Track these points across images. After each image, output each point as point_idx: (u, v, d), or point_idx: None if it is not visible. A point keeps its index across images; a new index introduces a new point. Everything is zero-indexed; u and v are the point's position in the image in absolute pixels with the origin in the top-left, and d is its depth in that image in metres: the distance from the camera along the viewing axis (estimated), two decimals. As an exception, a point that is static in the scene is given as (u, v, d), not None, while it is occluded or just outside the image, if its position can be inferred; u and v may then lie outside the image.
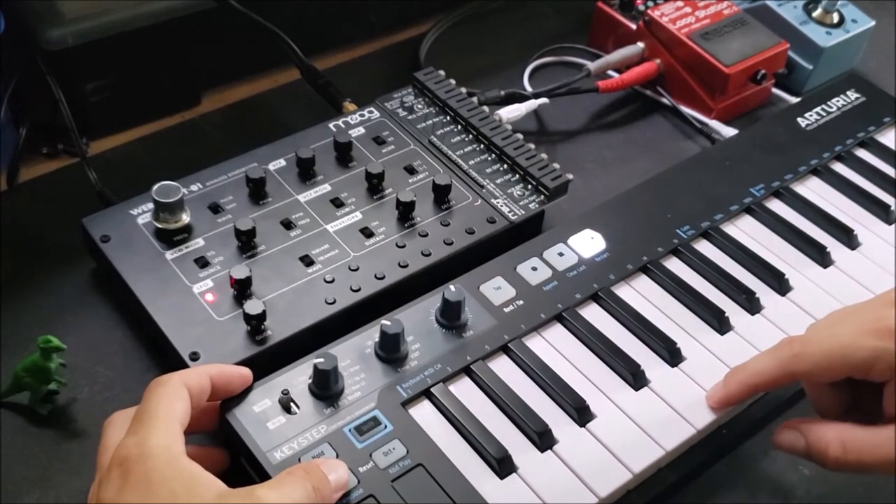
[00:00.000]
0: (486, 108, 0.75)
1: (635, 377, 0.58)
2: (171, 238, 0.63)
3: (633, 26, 0.87)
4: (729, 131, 0.82)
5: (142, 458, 0.44)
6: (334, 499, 0.49)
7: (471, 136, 0.73)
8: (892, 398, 0.49)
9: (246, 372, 0.54)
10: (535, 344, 0.60)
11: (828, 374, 0.51)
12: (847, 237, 0.69)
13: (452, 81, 0.77)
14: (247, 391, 0.54)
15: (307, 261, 0.63)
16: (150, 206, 0.64)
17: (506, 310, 0.61)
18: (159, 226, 0.63)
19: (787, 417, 0.61)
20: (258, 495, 0.44)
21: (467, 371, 0.58)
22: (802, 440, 0.51)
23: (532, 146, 0.72)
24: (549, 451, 0.55)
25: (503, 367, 0.59)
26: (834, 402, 0.53)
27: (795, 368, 0.51)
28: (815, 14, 0.89)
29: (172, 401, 0.48)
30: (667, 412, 0.57)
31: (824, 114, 0.80)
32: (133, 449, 0.45)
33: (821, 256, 0.68)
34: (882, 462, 0.49)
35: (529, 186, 0.70)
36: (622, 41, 0.87)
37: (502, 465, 0.53)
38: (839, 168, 0.76)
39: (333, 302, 0.61)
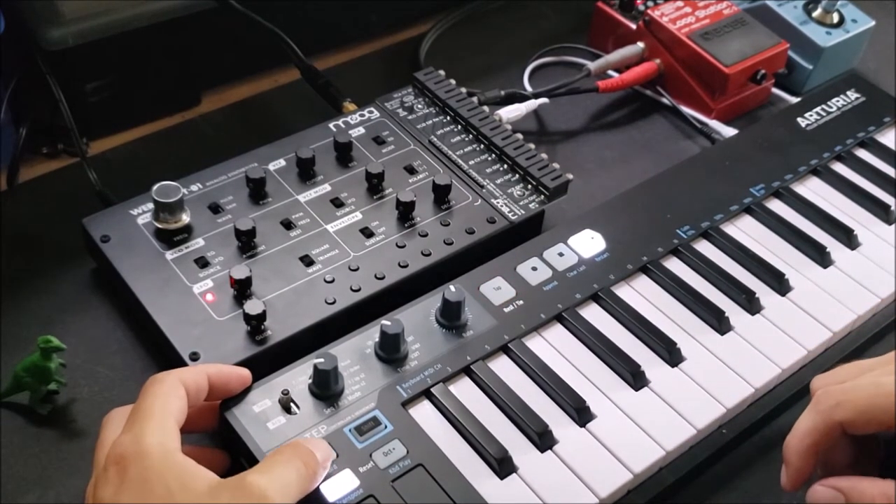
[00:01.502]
0: (486, 108, 0.75)
1: (635, 377, 0.58)
2: (171, 238, 0.63)
3: (633, 26, 0.87)
4: (729, 131, 0.82)
5: (137, 455, 0.44)
6: (323, 472, 0.49)
7: (471, 136, 0.73)
8: None
9: (245, 373, 0.54)
10: (535, 344, 0.60)
11: (871, 424, 0.49)
12: (847, 237, 0.69)
13: (452, 81, 0.77)
14: (246, 391, 0.54)
15: (307, 261, 0.63)
16: (150, 206, 0.64)
17: (506, 310, 0.61)
18: (159, 226, 0.63)
19: (787, 417, 0.61)
20: (249, 482, 0.44)
21: (467, 371, 0.58)
22: (842, 498, 0.49)
23: (532, 146, 0.72)
24: (549, 451, 0.55)
25: (503, 367, 0.59)
26: (844, 455, 0.51)
27: (839, 417, 0.49)
28: (815, 14, 0.89)
29: (168, 398, 0.48)
30: (667, 412, 0.57)
31: (824, 114, 0.80)
32: (129, 447, 0.45)
33: (821, 256, 0.68)
34: None
35: (529, 186, 0.70)
36: (622, 41, 0.87)
37: (502, 465, 0.53)
38: (839, 168, 0.76)
39: (333, 302, 0.61)
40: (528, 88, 0.84)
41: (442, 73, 0.77)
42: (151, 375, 0.50)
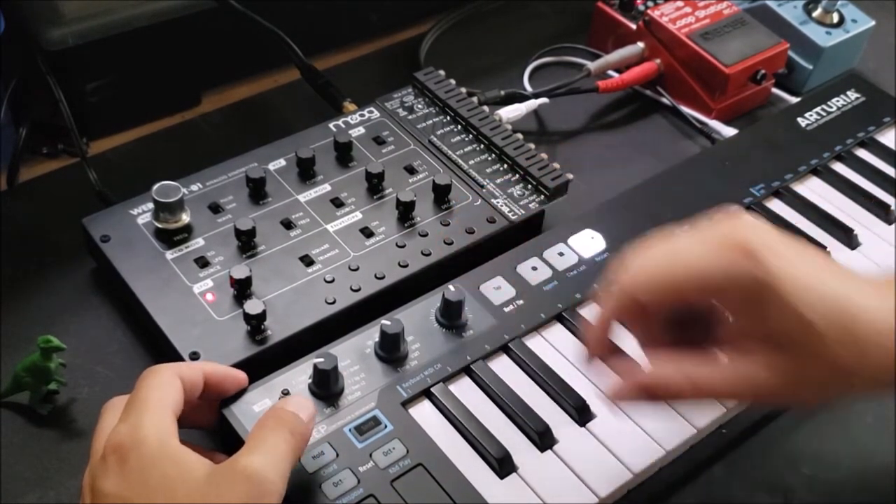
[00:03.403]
0: (486, 108, 0.75)
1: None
2: (171, 238, 0.63)
3: (633, 26, 0.87)
4: (729, 131, 0.82)
5: (135, 444, 0.44)
6: (311, 431, 0.49)
7: (471, 136, 0.73)
8: (736, 326, 0.47)
9: (241, 375, 0.54)
10: (535, 344, 0.60)
11: (672, 294, 0.47)
12: (847, 237, 0.69)
13: (452, 81, 0.77)
14: (245, 390, 0.54)
15: (307, 261, 0.63)
16: (150, 206, 0.64)
17: (506, 310, 0.61)
18: (159, 226, 0.63)
19: (787, 418, 0.61)
20: (244, 465, 0.44)
21: (467, 371, 0.58)
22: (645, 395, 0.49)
23: (532, 146, 0.72)
24: (549, 451, 0.55)
25: (503, 367, 0.59)
26: (664, 332, 0.50)
27: (629, 289, 0.48)
28: (815, 14, 0.89)
29: (164, 389, 0.48)
30: (667, 412, 0.57)
31: (824, 114, 0.80)
32: (126, 436, 0.45)
33: (821, 256, 0.67)
34: (731, 394, 0.51)
35: (529, 186, 0.70)
36: (622, 41, 0.87)
37: (502, 465, 0.53)
38: (839, 168, 0.76)
39: (333, 302, 0.61)
40: (528, 88, 0.84)
41: (442, 73, 0.77)
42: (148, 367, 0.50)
